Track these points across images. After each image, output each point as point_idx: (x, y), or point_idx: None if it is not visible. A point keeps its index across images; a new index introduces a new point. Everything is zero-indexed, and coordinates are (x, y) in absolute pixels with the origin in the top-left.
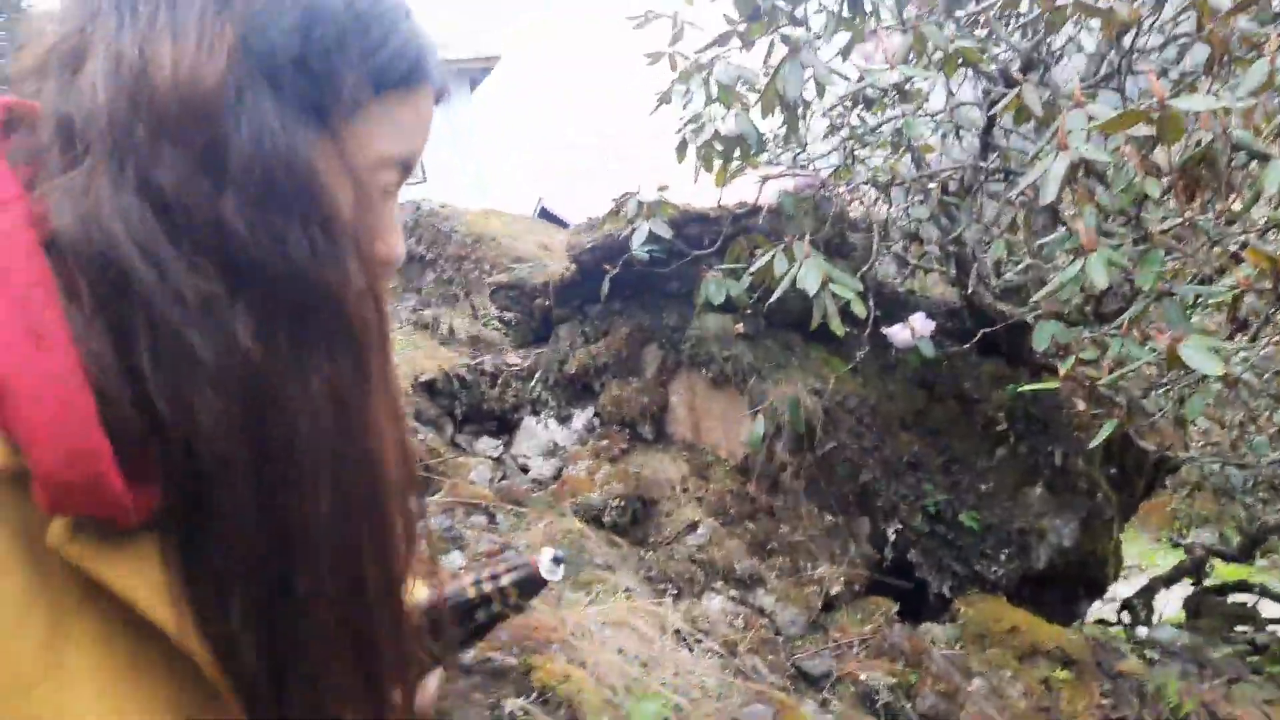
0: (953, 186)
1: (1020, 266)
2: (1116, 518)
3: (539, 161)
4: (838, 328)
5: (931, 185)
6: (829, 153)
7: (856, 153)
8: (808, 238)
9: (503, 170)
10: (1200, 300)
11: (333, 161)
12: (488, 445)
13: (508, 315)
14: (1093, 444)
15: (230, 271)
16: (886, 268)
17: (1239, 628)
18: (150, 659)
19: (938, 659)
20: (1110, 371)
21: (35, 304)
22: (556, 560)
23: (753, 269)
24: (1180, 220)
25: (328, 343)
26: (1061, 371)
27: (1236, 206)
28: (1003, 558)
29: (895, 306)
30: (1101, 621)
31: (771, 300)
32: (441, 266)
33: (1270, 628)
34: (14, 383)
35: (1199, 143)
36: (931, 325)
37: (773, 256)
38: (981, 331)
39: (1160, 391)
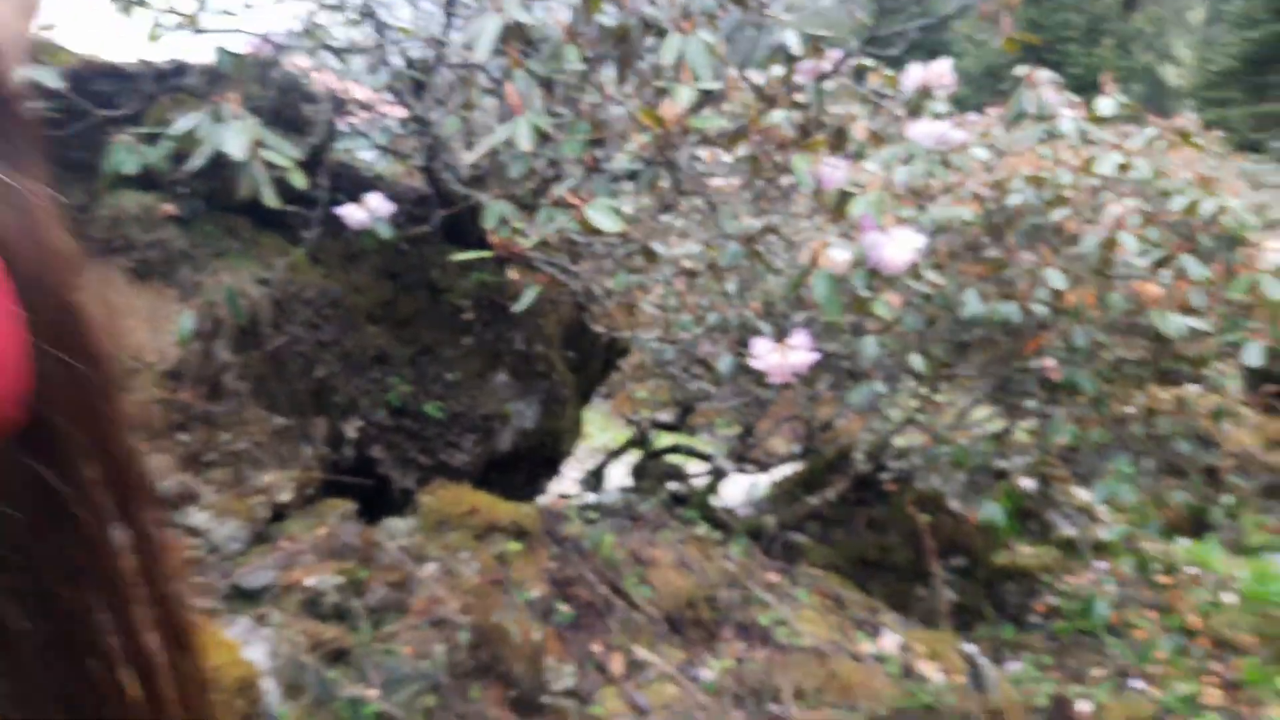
0: (416, 56)
1: (480, 146)
2: (574, 398)
3: None
4: (271, 200)
5: (394, 58)
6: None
7: (317, 19)
8: (238, 96)
9: None
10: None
11: None
12: None
13: None
14: (517, 307)
15: None
16: (364, 155)
17: (670, 484)
18: None
19: (390, 551)
20: (543, 240)
21: None
22: None
23: (171, 131)
24: (599, 98)
25: None
26: (494, 241)
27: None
28: (468, 444)
29: (363, 190)
30: (565, 496)
31: (191, 165)
32: None
33: (692, 481)
34: None
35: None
36: (391, 207)
37: (197, 119)
38: (442, 215)
39: (606, 271)
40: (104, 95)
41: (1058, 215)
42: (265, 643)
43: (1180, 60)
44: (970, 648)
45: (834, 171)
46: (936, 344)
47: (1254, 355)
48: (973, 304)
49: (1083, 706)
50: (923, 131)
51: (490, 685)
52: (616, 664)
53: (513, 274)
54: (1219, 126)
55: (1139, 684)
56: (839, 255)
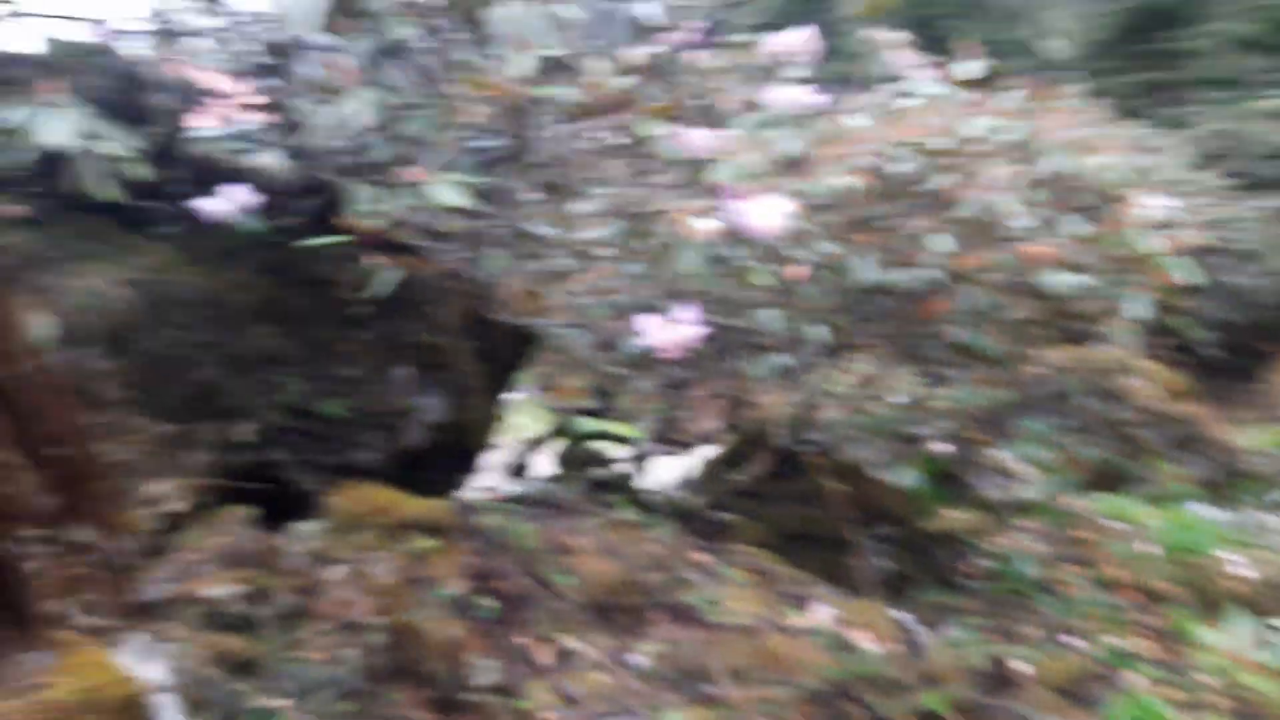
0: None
1: (319, 123)
2: (485, 389)
3: None
4: (111, 193)
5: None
6: None
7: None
8: (65, 85)
9: None
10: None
11: None
12: None
13: None
14: (374, 292)
15: None
16: (235, 146)
17: (592, 470)
18: None
19: (294, 556)
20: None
21: None
22: None
23: None
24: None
25: None
26: (346, 224)
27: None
28: (375, 442)
29: (229, 182)
30: (486, 488)
31: (18, 159)
32: None
33: (616, 466)
34: None
35: None
36: (257, 198)
37: (26, 112)
38: (313, 204)
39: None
40: None
41: (943, 181)
42: (166, 658)
43: (1061, 33)
44: (903, 614)
45: (699, 140)
46: (841, 314)
47: (1138, 308)
48: (868, 271)
49: (1020, 666)
50: (780, 97)
51: (408, 686)
52: (544, 655)
53: (377, 260)
54: (1105, 95)
55: (1071, 640)
56: (703, 225)
